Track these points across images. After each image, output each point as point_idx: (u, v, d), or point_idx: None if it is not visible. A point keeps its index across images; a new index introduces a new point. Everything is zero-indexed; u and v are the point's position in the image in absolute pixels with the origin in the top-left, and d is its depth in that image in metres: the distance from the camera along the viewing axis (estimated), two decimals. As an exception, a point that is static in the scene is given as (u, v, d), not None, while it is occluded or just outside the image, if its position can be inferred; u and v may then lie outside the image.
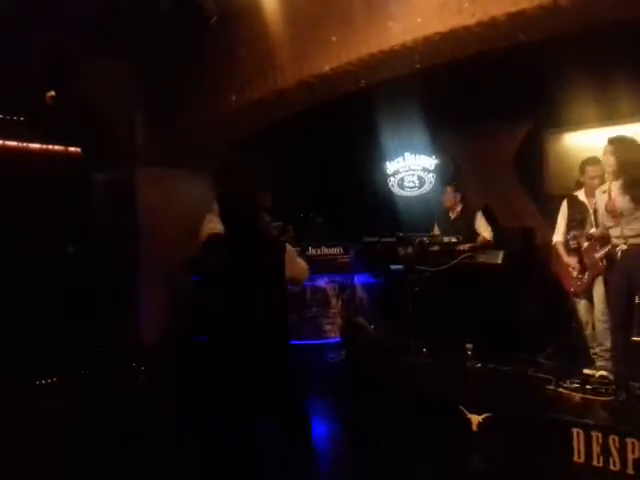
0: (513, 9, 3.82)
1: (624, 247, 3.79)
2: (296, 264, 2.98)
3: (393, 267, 5.53)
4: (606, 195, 3.86)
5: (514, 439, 3.72)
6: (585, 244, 4.43)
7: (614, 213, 3.79)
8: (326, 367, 5.19)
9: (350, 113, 6.19)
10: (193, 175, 6.88)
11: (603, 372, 4.24)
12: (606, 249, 4.21)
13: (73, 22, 5.33)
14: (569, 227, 4.59)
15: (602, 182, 4.28)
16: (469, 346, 4.95)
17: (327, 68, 4.83)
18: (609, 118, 5.75)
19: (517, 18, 3.84)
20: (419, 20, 4.28)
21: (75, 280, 6.15)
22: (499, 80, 5.77)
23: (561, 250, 4.62)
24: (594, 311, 4.39)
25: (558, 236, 4.67)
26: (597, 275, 4.34)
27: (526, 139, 6.41)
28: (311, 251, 6.30)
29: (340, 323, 5.37)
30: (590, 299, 4.43)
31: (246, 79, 5.48)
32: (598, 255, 4.29)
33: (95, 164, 6.66)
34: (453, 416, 3.99)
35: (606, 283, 4.22)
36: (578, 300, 4.51)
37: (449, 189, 5.80)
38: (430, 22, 4.22)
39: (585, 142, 5.94)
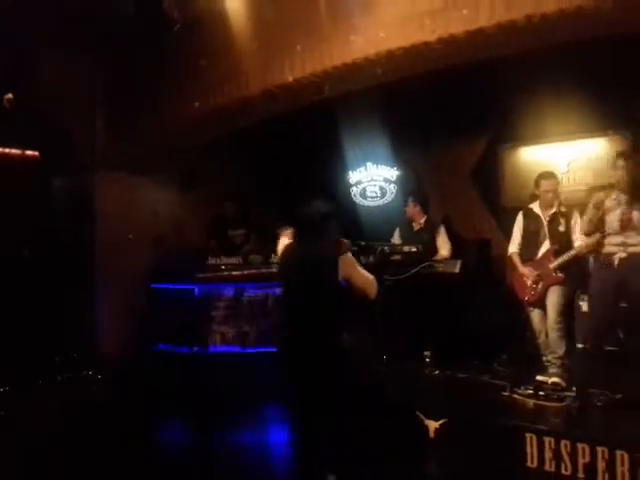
0: (472, 27, 3.93)
1: (623, 255, 3.91)
2: (356, 275, 3.12)
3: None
4: (619, 207, 3.96)
5: (470, 445, 3.77)
6: (539, 254, 4.55)
7: (630, 227, 3.91)
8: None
9: (316, 122, 6.20)
10: (155, 181, 6.82)
11: (555, 379, 4.34)
12: (560, 260, 4.38)
13: (32, 22, 5.22)
14: (524, 238, 4.69)
15: (556, 196, 4.51)
16: (427, 353, 5.03)
17: (291, 78, 4.83)
18: (563, 134, 5.96)
19: (476, 36, 3.95)
20: (382, 34, 4.35)
21: (30, 286, 5.98)
22: (460, 95, 5.88)
23: (516, 260, 4.71)
24: (547, 320, 4.48)
25: (513, 247, 4.76)
26: (550, 285, 4.45)
27: (484, 153, 6.55)
28: (274, 258, 6.20)
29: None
30: (543, 308, 4.52)
31: (211, 85, 5.43)
32: (552, 265, 4.43)
33: (54, 168, 6.52)
34: (410, 422, 4.00)
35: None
36: (532, 309, 4.61)
37: (410, 201, 5.95)
38: (392, 37, 4.29)
39: (539, 157, 6.14)
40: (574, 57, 4.86)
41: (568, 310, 4.61)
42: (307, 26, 4.71)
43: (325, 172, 7.20)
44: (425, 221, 5.90)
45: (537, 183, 4.63)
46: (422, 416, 3.99)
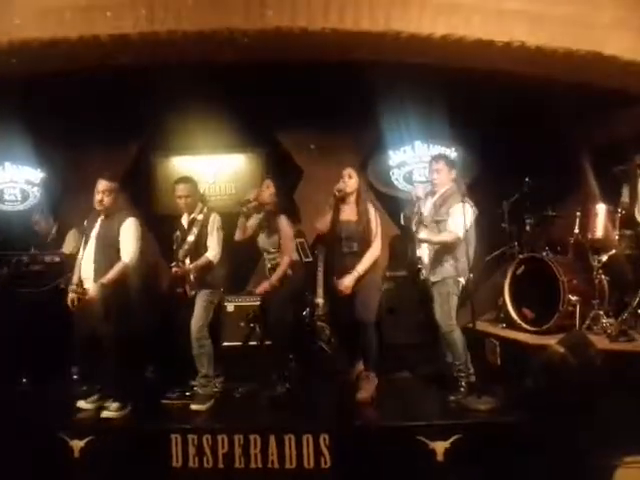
0: (116, 31, 4.05)
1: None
2: None
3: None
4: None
5: (118, 457, 3.78)
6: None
7: None
8: None
9: None
10: None
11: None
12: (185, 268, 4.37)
13: None
14: (175, 242, 4.56)
15: (194, 202, 4.46)
16: (74, 370, 4.85)
17: None
18: (211, 147, 6.60)
19: (119, 41, 4.08)
20: (17, 22, 4.11)
21: None
22: (115, 97, 5.81)
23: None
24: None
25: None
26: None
27: (135, 159, 6.71)
28: None
29: None
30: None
31: None
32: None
33: None
34: (54, 445, 3.82)
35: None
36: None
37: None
38: (29, 26, 4.10)
39: (190, 167, 6.58)
40: (223, 77, 5.32)
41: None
42: None
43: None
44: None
45: (173, 188, 4.57)
46: (66, 437, 3.82)
